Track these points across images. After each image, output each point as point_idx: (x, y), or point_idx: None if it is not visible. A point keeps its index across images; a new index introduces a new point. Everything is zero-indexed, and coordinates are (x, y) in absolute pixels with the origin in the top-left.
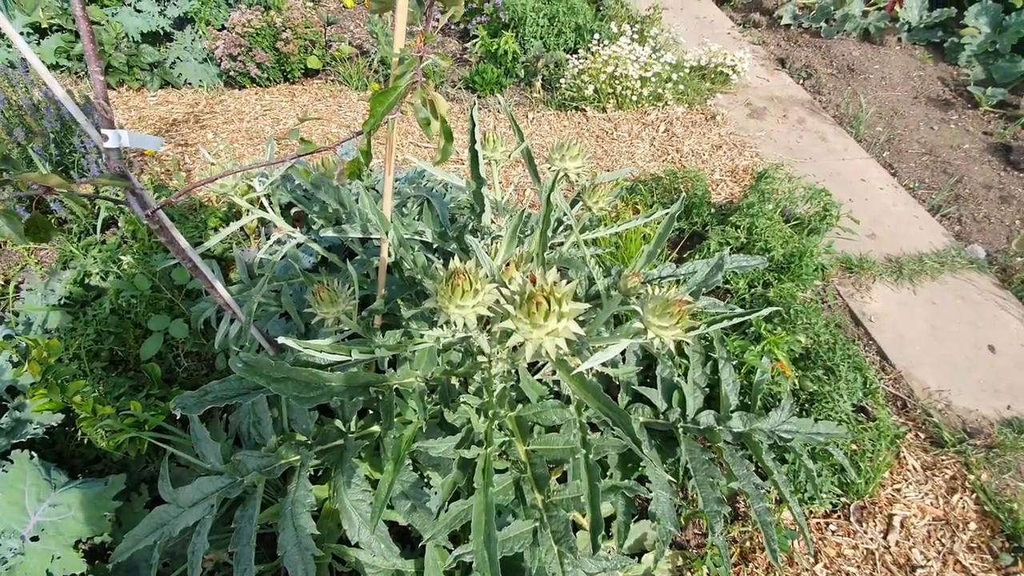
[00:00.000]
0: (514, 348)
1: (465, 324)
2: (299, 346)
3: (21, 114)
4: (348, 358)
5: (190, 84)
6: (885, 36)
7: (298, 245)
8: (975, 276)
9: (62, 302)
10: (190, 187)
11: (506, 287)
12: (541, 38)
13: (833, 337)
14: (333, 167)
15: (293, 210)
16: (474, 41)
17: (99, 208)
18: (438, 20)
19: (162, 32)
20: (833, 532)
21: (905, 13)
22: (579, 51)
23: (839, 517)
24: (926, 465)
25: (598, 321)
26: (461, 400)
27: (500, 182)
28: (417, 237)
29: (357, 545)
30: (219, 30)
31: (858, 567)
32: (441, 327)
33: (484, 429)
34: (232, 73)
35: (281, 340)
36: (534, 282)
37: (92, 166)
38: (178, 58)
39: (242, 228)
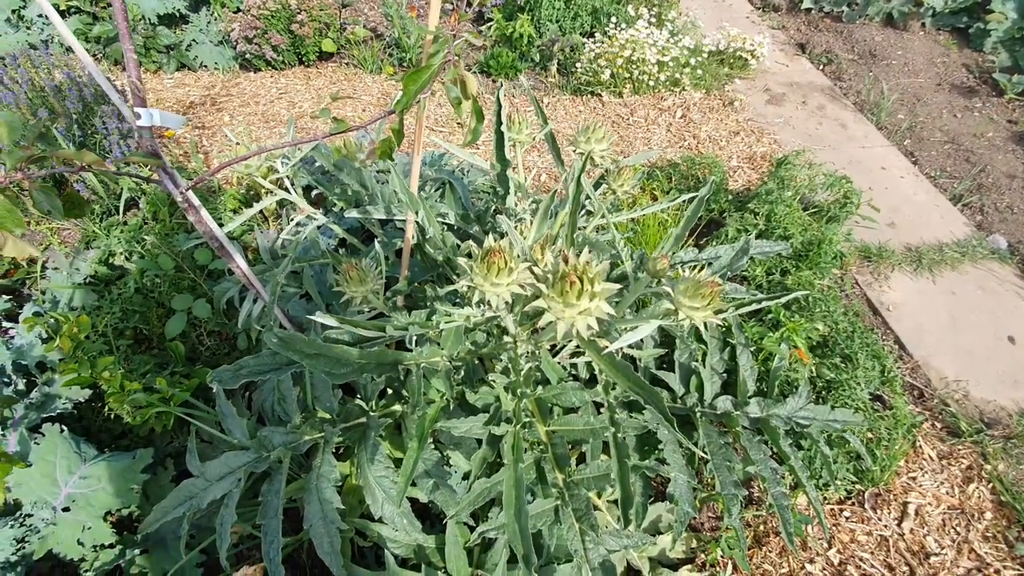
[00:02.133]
0: (535, 330)
1: (494, 304)
2: (336, 322)
3: (44, 95)
4: (381, 335)
5: (206, 67)
6: (909, 21)
7: (319, 227)
8: (996, 266)
9: (87, 281)
10: (223, 165)
11: (537, 267)
12: (557, 21)
13: (851, 325)
14: (355, 149)
15: (313, 192)
16: (489, 24)
17: (122, 189)
18: (471, 1)
19: (178, 14)
20: (847, 518)
21: None
22: (595, 35)
23: (853, 504)
24: (942, 454)
25: (625, 302)
26: (489, 379)
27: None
28: (440, 219)
29: (380, 520)
30: (235, 12)
31: (871, 553)
32: (471, 306)
33: (512, 407)
34: (248, 56)
35: (318, 317)
36: (567, 261)
37: (114, 147)
38: (194, 40)
39: (261, 210)
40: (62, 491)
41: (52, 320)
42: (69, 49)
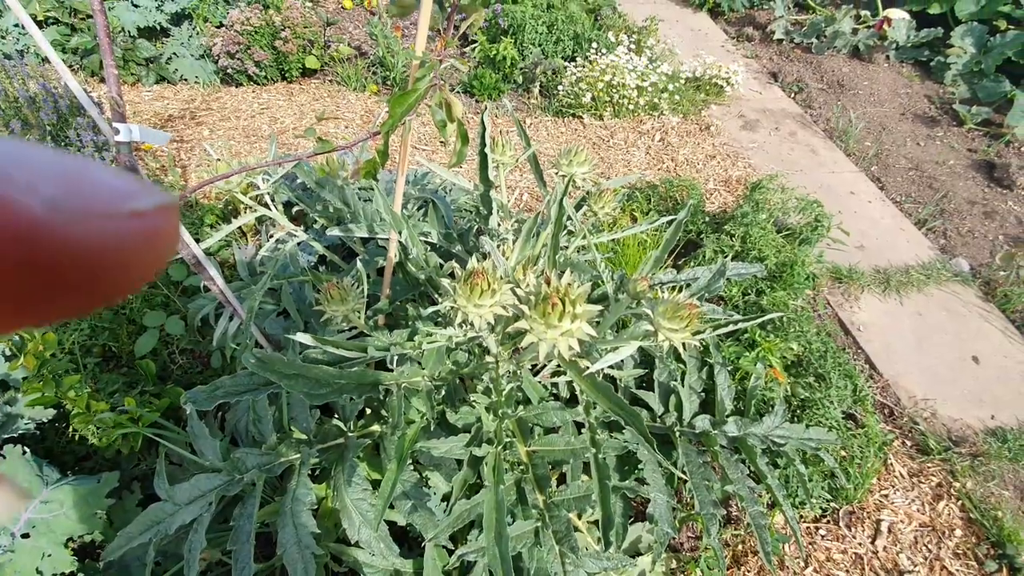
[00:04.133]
0: (517, 349)
1: (476, 325)
2: (317, 342)
3: (18, 106)
4: (363, 355)
5: (186, 80)
6: (874, 54)
7: (299, 244)
8: (960, 289)
9: None
10: (204, 182)
11: (519, 288)
12: (540, 45)
13: (824, 345)
14: (337, 167)
15: (294, 208)
16: (473, 46)
17: None
18: (458, 27)
19: (159, 27)
20: (823, 536)
21: (893, 32)
22: (577, 59)
23: (828, 522)
24: (913, 472)
25: (606, 323)
26: (470, 399)
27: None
28: (423, 238)
29: (356, 544)
30: (217, 27)
31: (847, 571)
32: (454, 327)
33: (494, 428)
34: (229, 71)
35: (298, 337)
36: (548, 283)
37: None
38: (175, 54)
39: (240, 226)
40: (22, 516)
41: (17, 337)
42: (45, 59)
